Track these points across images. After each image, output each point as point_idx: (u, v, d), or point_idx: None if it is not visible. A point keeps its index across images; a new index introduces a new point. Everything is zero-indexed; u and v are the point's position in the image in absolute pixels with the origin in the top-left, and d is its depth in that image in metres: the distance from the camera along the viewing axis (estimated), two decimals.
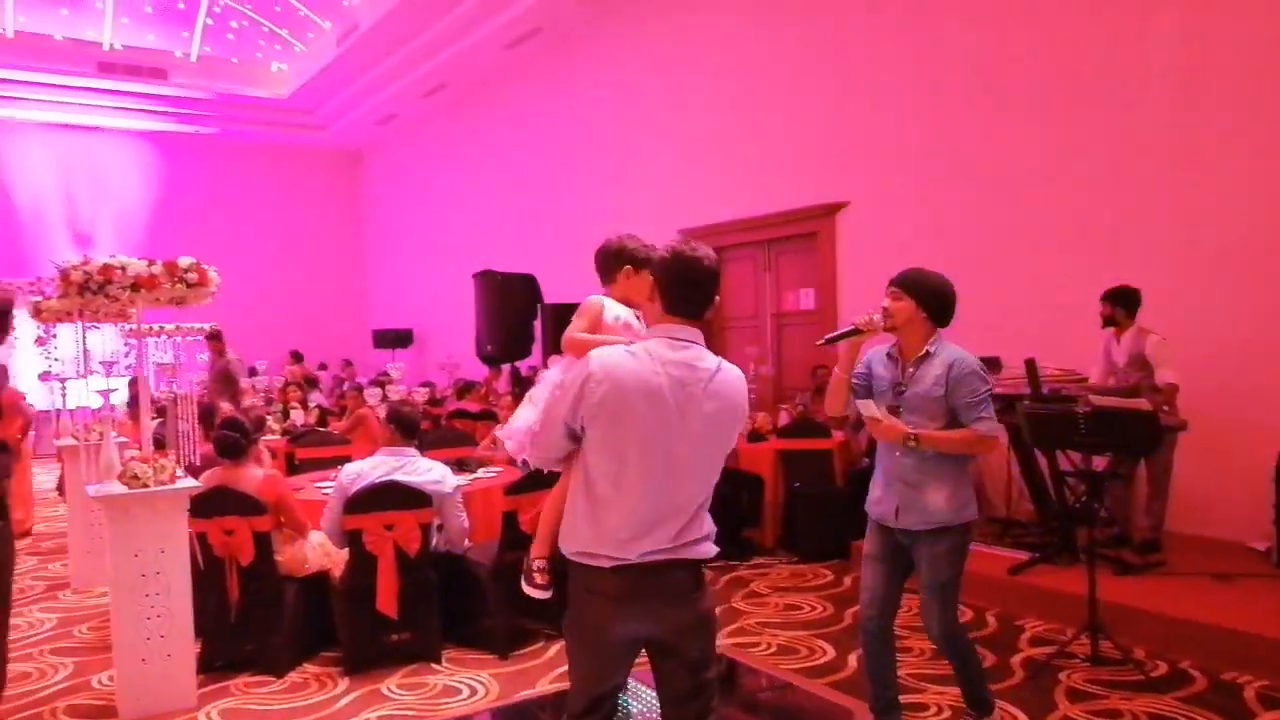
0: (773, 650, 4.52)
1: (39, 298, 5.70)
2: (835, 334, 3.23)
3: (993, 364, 5.30)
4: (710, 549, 2.26)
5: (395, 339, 14.73)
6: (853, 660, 4.30)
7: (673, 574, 2.20)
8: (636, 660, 2.34)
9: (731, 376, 2.26)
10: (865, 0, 7.53)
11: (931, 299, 3.13)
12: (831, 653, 4.45)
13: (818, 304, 8.12)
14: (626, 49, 10.15)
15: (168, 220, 15.26)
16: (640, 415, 2.15)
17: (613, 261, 3.08)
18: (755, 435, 6.81)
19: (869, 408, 3.14)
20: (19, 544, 6.33)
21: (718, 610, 5.06)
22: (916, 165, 7.14)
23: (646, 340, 2.27)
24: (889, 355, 3.26)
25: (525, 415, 2.88)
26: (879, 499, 3.25)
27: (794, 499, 6.43)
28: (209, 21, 12.80)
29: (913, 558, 3.19)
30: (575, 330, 2.97)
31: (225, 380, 9.20)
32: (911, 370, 3.15)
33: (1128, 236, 5.88)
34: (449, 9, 10.44)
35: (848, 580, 5.69)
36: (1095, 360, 5.61)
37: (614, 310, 3.07)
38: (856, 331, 3.15)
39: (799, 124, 8.11)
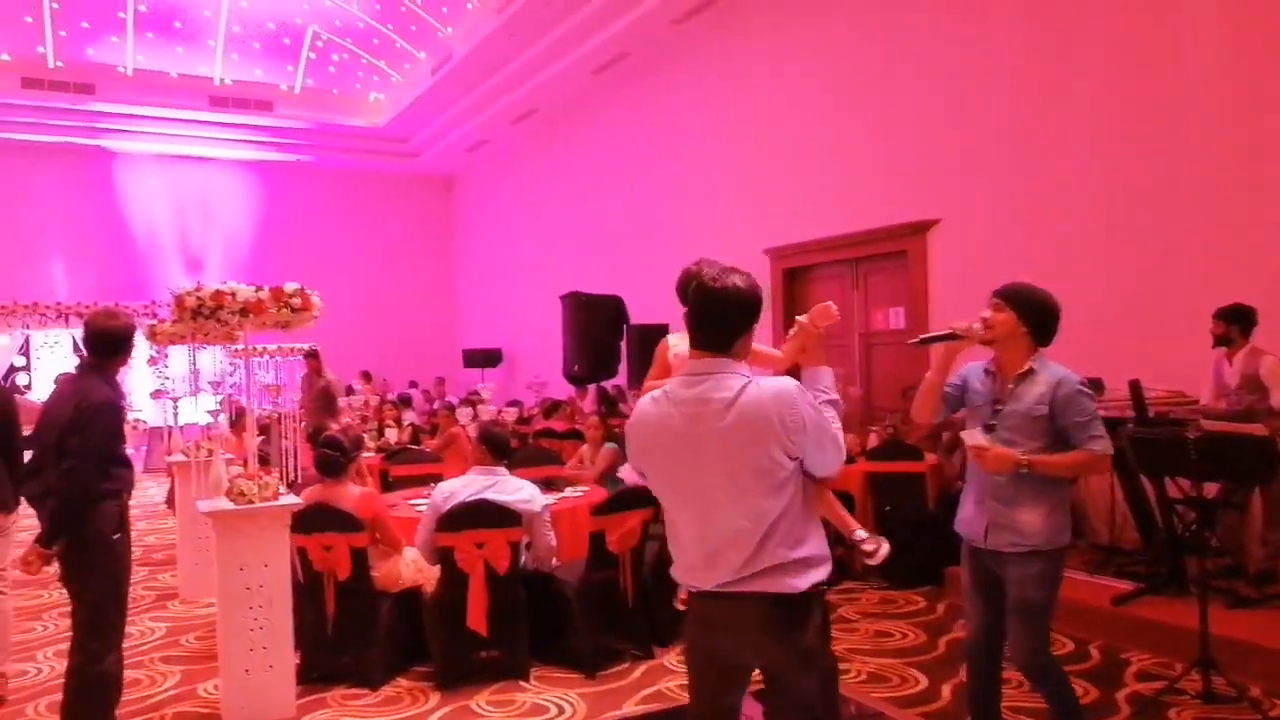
0: (862, 678, 4.42)
1: (154, 321, 6.02)
2: (930, 335, 3.14)
3: (1095, 385, 5.10)
4: (800, 582, 2.17)
5: (485, 358, 15.02)
6: (946, 691, 4.18)
7: (752, 606, 2.18)
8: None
9: (758, 393, 2.16)
10: (958, 14, 7.40)
11: (1035, 314, 3.02)
12: (924, 682, 4.33)
13: (908, 323, 7.97)
14: (713, 70, 10.20)
15: (269, 245, 15.94)
16: (662, 458, 2.30)
17: (686, 290, 3.12)
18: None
19: (974, 437, 3.02)
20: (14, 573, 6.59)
21: None
22: (1011, 181, 6.96)
23: (670, 381, 2.36)
24: (986, 371, 3.16)
25: None
26: (969, 517, 3.14)
27: (884, 522, 6.29)
28: (312, 55, 13.39)
29: (1002, 581, 3.06)
30: (649, 377, 3.14)
31: (324, 399, 9.52)
32: (1011, 387, 3.03)
33: (1238, 252, 5.60)
34: (539, 37, 10.68)
35: (941, 607, 5.54)
36: (1204, 382, 5.36)
37: (679, 347, 3.14)
38: (953, 336, 3.06)
39: (888, 140, 8.00)
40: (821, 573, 2.23)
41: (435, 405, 12.65)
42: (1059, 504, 3.00)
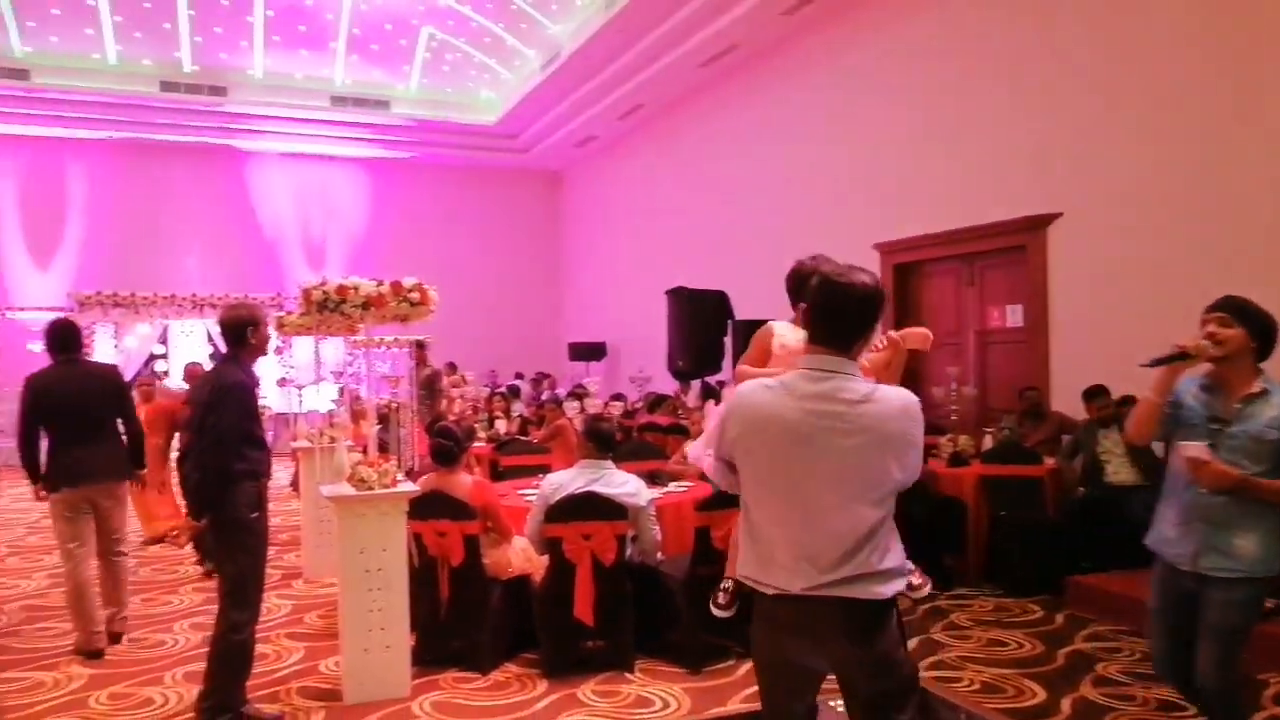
0: (976, 687, 4.29)
1: (281, 312, 6.31)
2: (1161, 357, 2.94)
3: None
4: (885, 590, 2.14)
5: (589, 351, 15.20)
6: (1066, 705, 4.02)
7: (836, 611, 2.13)
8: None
9: (885, 405, 2.15)
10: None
11: (1261, 330, 2.88)
12: (1042, 694, 4.17)
13: (1026, 321, 7.68)
14: (822, 61, 10.03)
15: (384, 239, 16.50)
16: (772, 450, 2.20)
17: (798, 285, 3.08)
18: (957, 458, 6.51)
19: (1194, 449, 2.86)
20: (153, 548, 7.15)
21: (914, 642, 4.87)
22: (1141, 175, 6.61)
23: (788, 373, 2.26)
24: (1203, 387, 2.99)
25: (708, 428, 2.97)
26: (1174, 538, 2.96)
27: (1000, 527, 6.09)
28: (427, 55, 13.79)
29: (1199, 601, 2.90)
30: (744, 360, 3.03)
31: (427, 388, 9.82)
32: (1239, 407, 2.87)
33: None
34: (647, 31, 10.71)
35: (1060, 618, 5.33)
36: None
37: (785, 337, 3.06)
38: (1184, 356, 2.88)
39: (1007, 131, 7.72)
40: (902, 583, 2.20)
41: (542, 397, 12.89)
42: (1274, 530, 2.84)
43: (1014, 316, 7.92)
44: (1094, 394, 6.30)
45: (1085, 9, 7.08)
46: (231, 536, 3.84)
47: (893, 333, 2.48)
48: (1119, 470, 6.06)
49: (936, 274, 8.70)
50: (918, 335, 2.48)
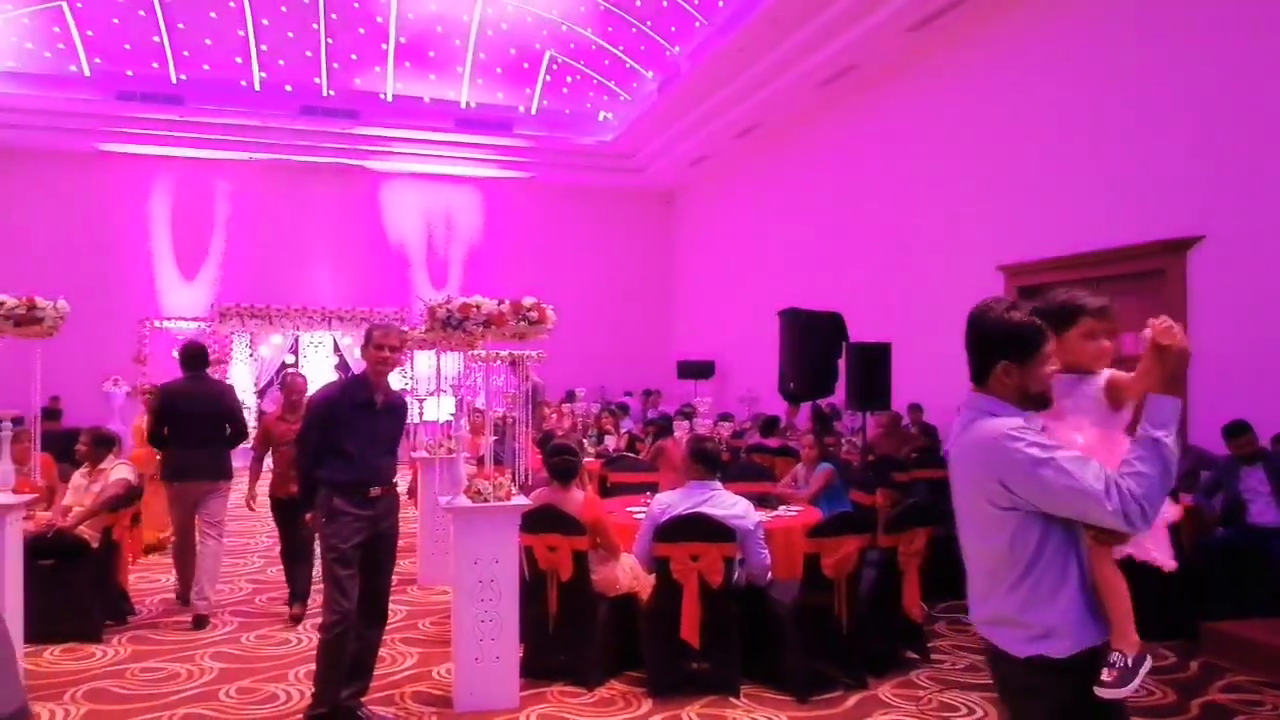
0: None
1: (406, 327, 6.57)
2: None
3: None
4: (1015, 649, 2.03)
5: (698, 370, 15.21)
6: None
7: (990, 651, 2.14)
8: None
9: (972, 436, 2.11)
10: (1218, 9, 6.70)
11: None
12: None
13: None
14: (946, 79, 9.81)
15: (502, 257, 16.96)
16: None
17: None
18: None
19: None
20: (149, 558, 7.58)
21: None
22: None
23: None
24: None
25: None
26: None
27: (1129, 567, 5.76)
28: (548, 78, 14.16)
29: None
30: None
31: (529, 402, 10.00)
32: None
33: None
34: (767, 52, 10.71)
35: (1194, 665, 5.00)
36: None
37: None
38: None
39: (1141, 150, 7.36)
40: (1053, 646, 1.97)
41: (650, 414, 12.97)
42: None
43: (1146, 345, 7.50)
44: (1237, 430, 5.92)
45: (1228, 19, 6.70)
46: (322, 540, 4.12)
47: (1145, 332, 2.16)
48: (1264, 511, 5.67)
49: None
50: (1161, 330, 2.11)
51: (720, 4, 10.89)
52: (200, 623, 5.68)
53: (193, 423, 5.85)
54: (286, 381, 6.16)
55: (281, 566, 6.11)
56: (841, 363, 8.27)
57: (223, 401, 6.15)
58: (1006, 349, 2.09)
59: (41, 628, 5.00)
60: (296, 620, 5.76)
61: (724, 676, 4.53)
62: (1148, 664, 2.03)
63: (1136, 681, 1.98)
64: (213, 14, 12.58)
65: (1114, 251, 7.56)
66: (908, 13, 9.27)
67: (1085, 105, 7.95)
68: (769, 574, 4.64)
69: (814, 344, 8.16)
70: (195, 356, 6.12)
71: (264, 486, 5.96)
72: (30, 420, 5.37)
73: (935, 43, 9.81)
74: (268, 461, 6.07)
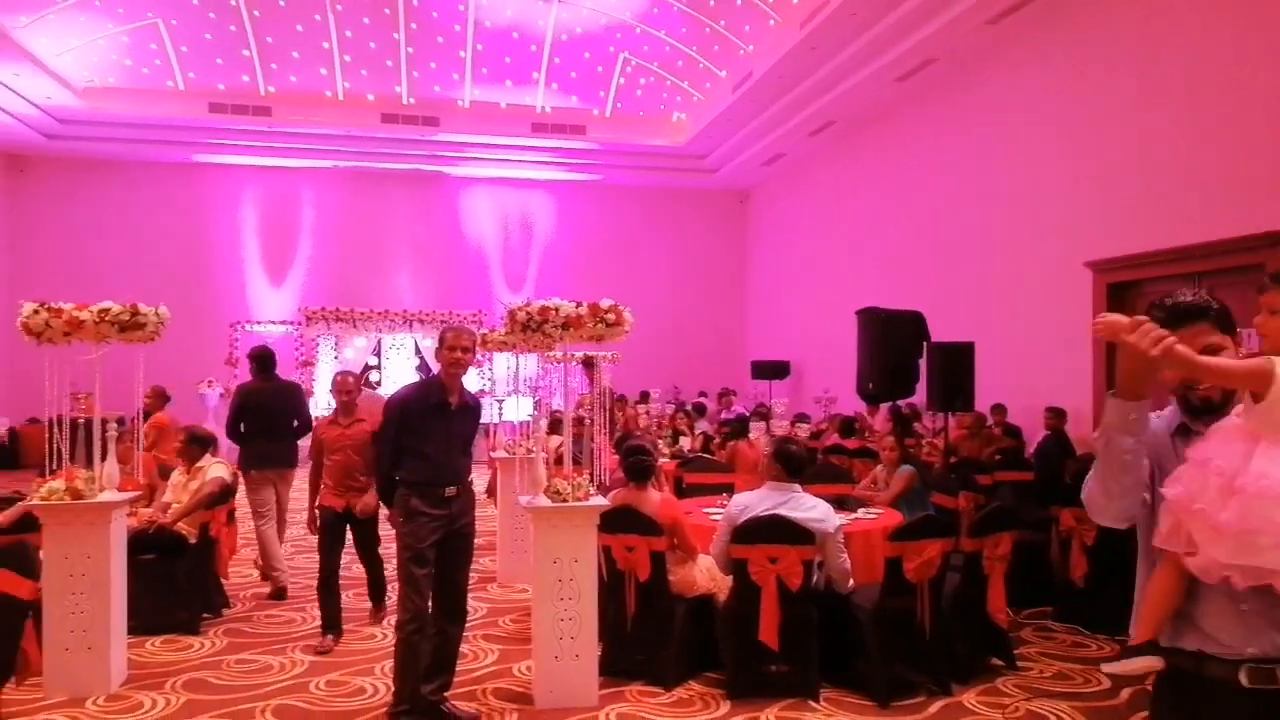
0: None
1: (484, 329, 6.69)
2: None
3: None
4: None
5: (773, 370, 15.10)
6: None
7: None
8: None
9: None
10: None
11: None
12: None
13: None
14: (1029, 70, 9.54)
15: (574, 259, 17.11)
16: None
17: None
18: None
19: None
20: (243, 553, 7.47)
21: None
22: None
23: None
24: None
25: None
26: None
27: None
28: (621, 81, 14.23)
29: None
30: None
31: (606, 403, 10.05)
32: None
33: None
34: (842, 48, 10.58)
35: None
36: None
37: None
38: None
39: (1241, 138, 7.03)
40: None
41: (723, 415, 12.92)
42: None
43: (1250, 341, 7.17)
44: None
45: None
46: (399, 539, 4.18)
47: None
48: None
49: (1157, 295, 8.02)
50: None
51: (794, 1, 10.79)
52: (278, 594, 6.41)
53: (266, 417, 6.62)
54: (336, 383, 5.69)
55: (358, 570, 6.01)
56: (922, 363, 8.12)
57: (290, 399, 6.90)
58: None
59: (143, 620, 5.25)
60: (377, 618, 5.85)
61: (803, 680, 4.49)
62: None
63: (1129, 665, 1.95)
64: (299, 27, 12.99)
65: (1213, 245, 7.23)
66: (988, 5, 9.05)
67: (1177, 94, 7.63)
68: (850, 580, 4.58)
69: (893, 344, 8.02)
70: (265, 360, 6.85)
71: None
72: (132, 421, 5.64)
73: (1016, 34, 9.55)
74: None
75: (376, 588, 5.91)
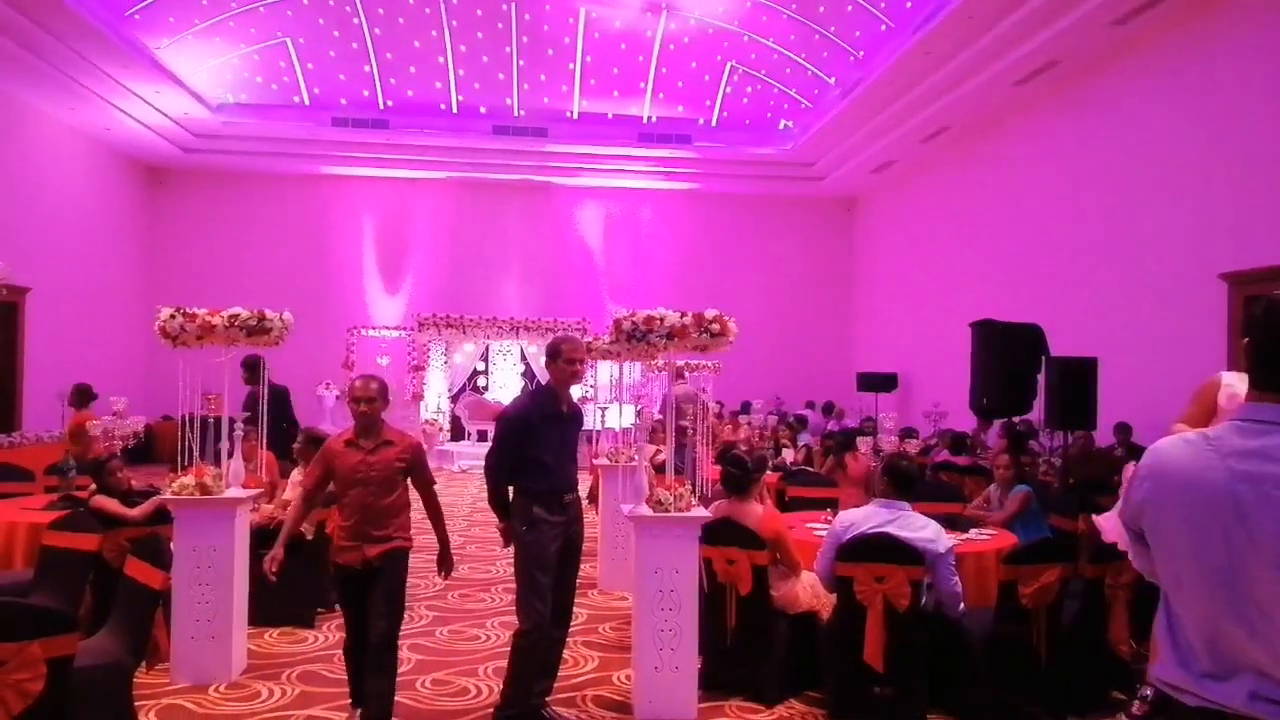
0: None
1: (589, 338, 6.74)
2: None
3: None
4: None
5: (880, 382, 14.76)
6: None
7: None
8: None
9: None
10: None
11: None
12: None
13: None
14: (1159, 71, 9.06)
15: (678, 268, 17.13)
16: (1184, 521, 1.74)
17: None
18: None
19: None
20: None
21: None
22: None
23: (1218, 425, 1.81)
24: None
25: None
26: None
27: None
28: (728, 89, 14.19)
29: None
30: (1180, 419, 2.50)
31: (676, 410, 9.97)
32: None
33: None
34: (957, 52, 10.29)
35: None
36: None
37: (1234, 388, 2.62)
38: None
39: None
40: None
41: (830, 427, 12.70)
42: None
43: None
44: None
45: None
46: (516, 546, 4.22)
47: None
48: None
49: None
50: None
51: (908, 4, 10.54)
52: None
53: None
54: (354, 389, 4.09)
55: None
56: (1040, 378, 7.80)
57: (277, 404, 7.20)
58: None
59: (262, 612, 5.47)
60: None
61: (909, 703, 4.34)
62: None
63: None
64: (416, 43, 13.45)
65: None
66: (1115, 5, 8.63)
67: None
68: (961, 603, 4.41)
69: (1010, 358, 7.75)
70: (255, 366, 7.13)
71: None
72: (257, 421, 5.92)
73: (1146, 34, 9.09)
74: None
75: (378, 675, 3.95)
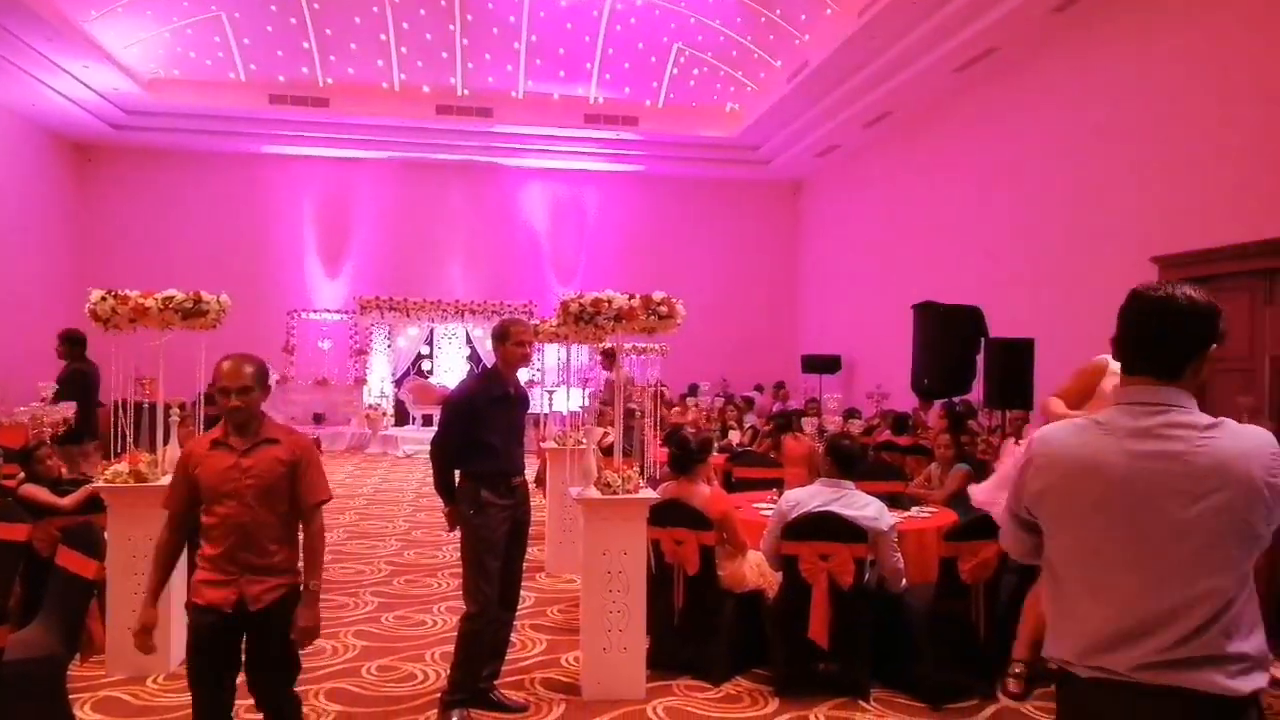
0: None
1: (536, 321, 6.70)
2: None
3: None
4: (1241, 684, 1.70)
5: (824, 364, 14.91)
6: None
7: (1172, 705, 1.72)
8: None
9: (1232, 443, 1.75)
10: None
11: None
12: None
13: None
14: (1097, 59, 9.26)
15: (625, 250, 17.11)
16: (1079, 501, 1.84)
17: None
18: None
19: None
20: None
21: None
22: None
23: (1104, 410, 1.91)
24: None
25: (1003, 472, 2.53)
26: None
27: None
28: (675, 71, 14.16)
29: None
30: (1057, 393, 2.65)
31: (609, 392, 10.04)
32: None
33: None
34: (900, 37, 10.40)
35: None
36: None
37: (1120, 375, 2.71)
38: None
39: None
40: (1263, 677, 1.74)
41: (775, 408, 12.82)
42: None
43: None
44: None
45: None
46: (462, 529, 4.20)
47: None
48: None
49: (1227, 291, 7.74)
50: None
51: None
52: None
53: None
54: (223, 373, 3.00)
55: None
56: (980, 359, 7.98)
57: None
58: (1214, 335, 1.84)
59: None
60: None
61: (853, 679, 4.43)
62: None
63: None
64: (357, 19, 13.15)
65: None
66: None
67: (1249, 85, 7.35)
68: (902, 579, 4.50)
69: (951, 339, 7.91)
70: (77, 340, 7.54)
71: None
72: (193, 406, 5.77)
73: (1084, 22, 9.28)
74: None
75: None
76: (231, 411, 3.01)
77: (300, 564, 3.09)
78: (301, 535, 3.10)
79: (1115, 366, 2.80)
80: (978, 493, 3.76)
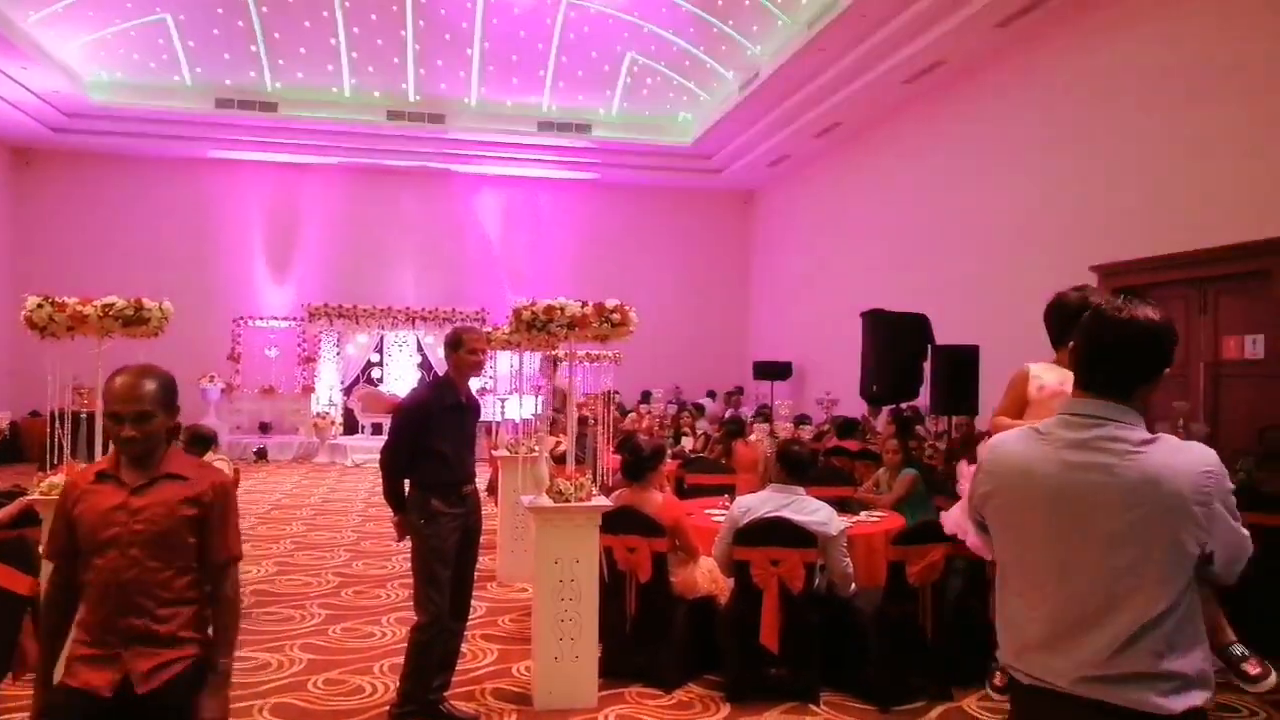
0: None
1: (488, 328, 6.66)
2: None
3: None
4: (1166, 704, 1.71)
5: (775, 371, 15.04)
6: None
7: (1101, 718, 1.75)
8: None
9: (1164, 459, 1.77)
10: None
11: None
12: None
13: (1268, 353, 6.93)
14: (1038, 74, 9.51)
15: (578, 258, 17.08)
16: (1025, 509, 1.90)
17: (1062, 321, 2.80)
18: None
19: None
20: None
21: None
22: None
23: (1049, 419, 1.97)
24: None
25: (965, 494, 2.60)
26: None
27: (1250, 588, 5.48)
28: (628, 80, 14.21)
29: None
30: (999, 410, 2.77)
31: (560, 399, 10.07)
32: None
33: None
34: (850, 49, 10.56)
35: None
36: None
37: (1043, 378, 2.81)
38: None
39: (1245, 146, 7.01)
40: (1200, 696, 1.75)
41: (727, 414, 12.91)
42: None
43: (1254, 347, 7.16)
44: None
45: None
46: (412, 538, 4.16)
47: None
48: None
49: (1163, 300, 7.98)
50: None
51: (802, 1, 10.76)
52: None
53: None
54: (116, 392, 2.29)
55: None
56: (926, 365, 8.11)
57: None
58: (1168, 360, 1.87)
59: None
60: None
61: (804, 683, 4.47)
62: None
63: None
64: (306, 23, 12.98)
65: (1217, 251, 7.21)
66: (998, 7, 9.01)
67: (1186, 99, 7.60)
68: (852, 584, 4.55)
69: (898, 346, 8.03)
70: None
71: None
72: None
73: (1027, 38, 9.52)
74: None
75: None
76: (126, 443, 2.28)
77: (205, 630, 2.38)
78: (211, 600, 2.38)
79: (1035, 370, 2.89)
80: (948, 521, 3.87)
